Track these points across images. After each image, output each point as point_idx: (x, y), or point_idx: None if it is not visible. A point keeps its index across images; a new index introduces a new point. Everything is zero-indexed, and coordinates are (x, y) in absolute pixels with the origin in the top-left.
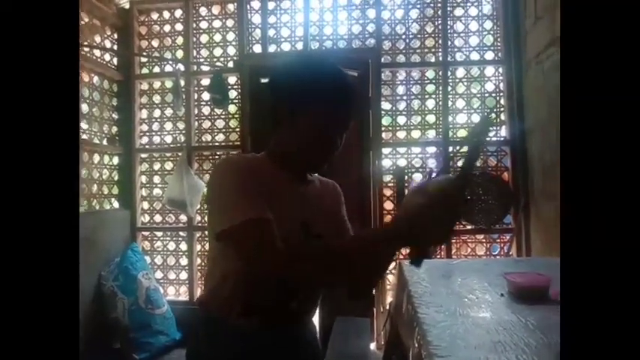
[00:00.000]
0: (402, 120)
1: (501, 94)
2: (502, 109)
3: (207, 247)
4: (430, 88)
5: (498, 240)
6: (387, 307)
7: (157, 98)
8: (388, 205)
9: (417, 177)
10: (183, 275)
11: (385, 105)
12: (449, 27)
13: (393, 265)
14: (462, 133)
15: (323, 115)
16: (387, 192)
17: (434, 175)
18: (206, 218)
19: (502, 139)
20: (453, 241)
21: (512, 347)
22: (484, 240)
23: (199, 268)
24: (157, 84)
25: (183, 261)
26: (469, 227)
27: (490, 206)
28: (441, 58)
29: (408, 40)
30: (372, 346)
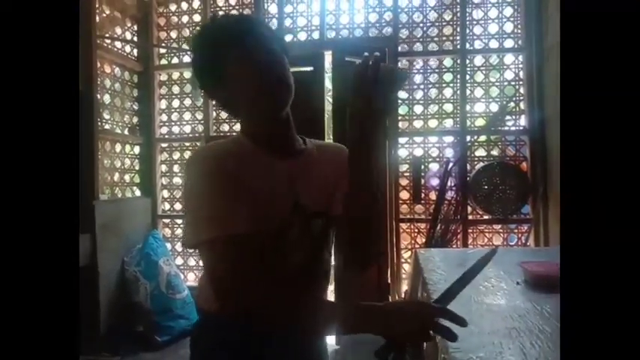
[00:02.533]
0: (418, 109)
1: (521, 82)
2: (521, 97)
3: None
4: (448, 76)
5: (516, 230)
6: (403, 296)
7: (175, 89)
8: (404, 195)
9: (434, 167)
10: None
11: (402, 94)
12: (467, 14)
13: (408, 254)
14: (480, 122)
15: (231, 64)
16: (404, 182)
17: (450, 165)
18: None
19: (521, 128)
20: (470, 230)
21: (527, 333)
22: (501, 230)
23: None
24: (175, 75)
25: None
26: (486, 217)
27: (508, 196)
28: (459, 46)
29: (425, 28)
30: None
